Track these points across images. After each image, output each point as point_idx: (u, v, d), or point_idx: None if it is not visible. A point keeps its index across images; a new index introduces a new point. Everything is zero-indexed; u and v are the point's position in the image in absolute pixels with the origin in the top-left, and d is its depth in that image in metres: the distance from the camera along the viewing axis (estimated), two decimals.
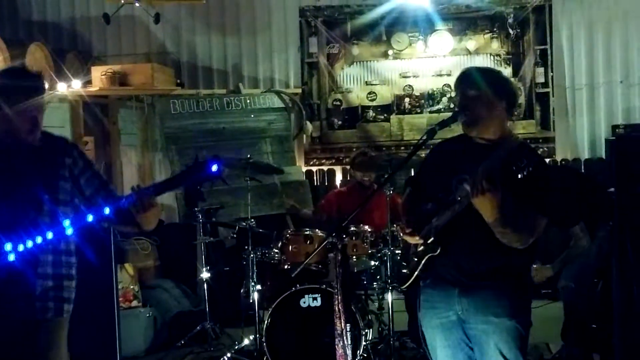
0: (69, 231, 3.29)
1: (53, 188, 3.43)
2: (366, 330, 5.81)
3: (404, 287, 3.72)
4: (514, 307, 3.46)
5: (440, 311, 3.58)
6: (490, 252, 3.42)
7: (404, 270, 3.74)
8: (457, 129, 3.63)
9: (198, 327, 6.88)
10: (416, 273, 3.62)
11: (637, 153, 4.49)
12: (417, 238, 3.58)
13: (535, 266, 5.85)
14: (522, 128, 9.45)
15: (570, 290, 5.78)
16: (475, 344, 3.53)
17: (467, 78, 3.57)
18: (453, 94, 3.61)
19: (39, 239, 3.25)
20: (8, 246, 3.22)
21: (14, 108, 3.31)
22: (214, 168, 3.26)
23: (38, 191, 3.37)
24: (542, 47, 9.50)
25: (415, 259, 3.63)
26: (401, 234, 3.72)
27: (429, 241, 3.52)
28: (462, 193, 3.31)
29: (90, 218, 3.28)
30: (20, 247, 3.23)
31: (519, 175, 3.13)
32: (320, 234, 6.05)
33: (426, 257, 3.55)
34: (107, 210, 3.29)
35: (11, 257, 3.23)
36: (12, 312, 3.38)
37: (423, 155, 4.01)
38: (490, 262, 3.44)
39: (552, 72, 9.47)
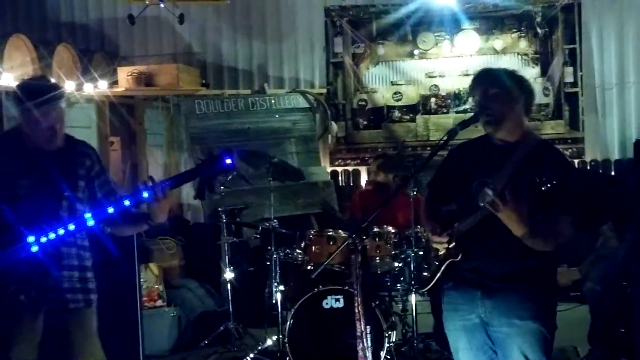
0: (90, 222, 3.43)
1: (73, 186, 3.64)
2: (389, 332, 5.76)
3: (425, 290, 3.68)
4: (538, 310, 3.41)
5: (463, 314, 3.54)
6: (513, 256, 3.36)
7: (425, 274, 3.69)
8: (479, 130, 3.59)
9: (221, 327, 6.86)
10: (437, 277, 3.57)
11: None
12: (445, 242, 3.55)
13: (561, 269, 5.77)
14: (551, 128, 9.36)
15: (596, 293, 5.69)
16: (498, 347, 3.48)
17: (486, 77, 3.52)
18: (478, 99, 3.54)
19: (60, 231, 3.40)
20: (31, 238, 3.37)
21: (33, 120, 3.51)
22: (228, 161, 3.43)
23: (60, 188, 3.57)
24: (571, 46, 9.39)
25: (437, 263, 3.59)
26: (430, 236, 3.68)
27: (450, 246, 3.47)
28: (484, 198, 3.25)
29: (111, 210, 3.42)
30: (43, 239, 3.38)
31: (543, 188, 3.08)
32: (343, 234, 6.01)
33: (448, 262, 3.51)
34: (110, 210, 3.43)
35: (34, 249, 3.38)
36: (43, 303, 3.57)
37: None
38: (513, 265, 3.39)
39: (581, 71, 9.36)
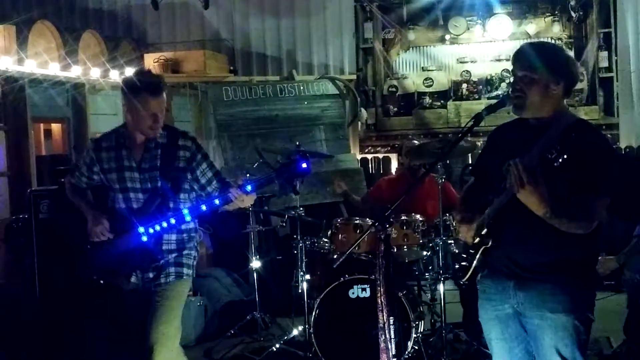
0: (187, 218, 3.99)
1: (174, 179, 4.11)
2: (417, 322, 5.65)
3: (464, 280, 3.55)
4: (572, 302, 3.27)
5: (496, 303, 3.44)
6: (545, 244, 3.24)
7: (464, 263, 3.57)
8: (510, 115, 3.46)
9: (248, 317, 6.79)
10: (473, 265, 3.45)
11: None
12: (472, 226, 3.41)
13: (599, 258, 5.63)
14: (585, 114, 9.16)
15: (635, 283, 5.53)
16: (532, 339, 3.39)
17: (521, 57, 3.33)
18: (512, 79, 3.40)
19: (164, 224, 3.96)
20: (141, 229, 3.96)
21: (139, 104, 3.97)
22: (304, 165, 3.80)
23: (162, 182, 4.08)
24: (606, 30, 9.22)
25: (472, 251, 3.47)
26: (456, 224, 3.57)
27: (482, 232, 3.34)
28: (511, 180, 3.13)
29: (204, 207, 3.93)
30: (151, 230, 3.96)
31: (555, 164, 2.94)
32: (370, 223, 5.90)
33: (481, 250, 3.39)
34: (204, 207, 3.96)
35: (144, 238, 3.97)
36: (147, 280, 4.14)
37: (477, 142, 3.84)
38: (546, 255, 3.26)
39: (616, 56, 9.18)
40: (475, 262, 3.43)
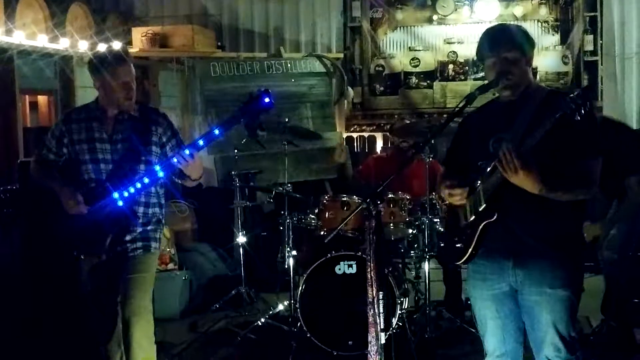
0: (160, 174, 3.98)
1: (147, 149, 4.22)
2: (402, 299, 5.72)
3: (462, 262, 3.57)
4: (568, 278, 3.36)
5: (492, 283, 3.49)
6: (545, 216, 3.30)
7: (458, 245, 3.59)
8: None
9: (233, 292, 6.86)
10: (473, 244, 3.47)
11: None
12: (461, 192, 3.46)
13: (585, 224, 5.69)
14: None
15: (613, 261, 5.61)
16: (526, 315, 3.45)
17: (502, 39, 3.42)
18: (492, 62, 3.46)
19: (138, 185, 4.01)
20: (116, 194, 4.01)
21: (114, 77, 4.12)
22: (267, 100, 3.84)
23: (137, 152, 4.18)
24: (592, 14, 9.26)
25: (469, 230, 3.47)
26: (445, 196, 3.59)
27: (480, 209, 3.38)
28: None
29: (175, 160, 3.91)
30: (125, 194, 4.01)
31: (577, 117, 2.97)
32: (357, 200, 5.96)
33: (482, 225, 3.38)
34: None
35: (120, 203, 4.02)
36: (111, 251, 4.17)
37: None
38: (549, 230, 3.32)
39: (601, 39, 9.22)
40: (474, 241, 3.45)
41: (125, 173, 4.11)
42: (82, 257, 4.24)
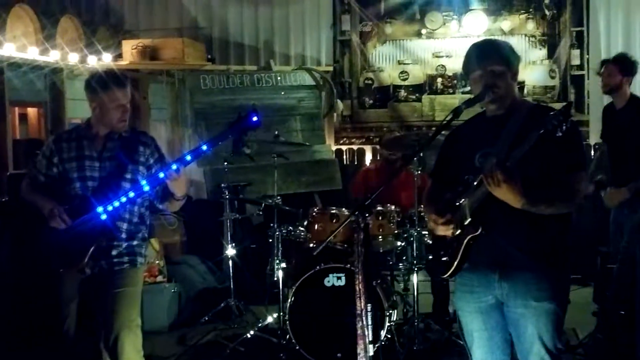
0: (146, 188, 3.99)
1: (134, 167, 4.28)
2: (390, 311, 5.74)
3: (448, 275, 3.59)
4: (554, 290, 3.38)
5: (479, 295, 3.51)
6: (530, 229, 3.32)
7: (444, 258, 3.62)
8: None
9: (222, 304, 6.86)
10: (459, 258, 3.50)
11: None
12: (451, 226, 3.49)
13: (609, 189, 5.78)
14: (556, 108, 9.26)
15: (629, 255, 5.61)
16: (512, 327, 3.47)
17: (488, 53, 3.47)
18: (477, 76, 3.52)
19: (123, 199, 4.03)
20: (100, 209, 4.04)
21: (108, 97, 4.21)
22: (254, 118, 3.92)
23: (123, 171, 4.25)
24: (579, 28, 9.32)
25: (455, 244, 3.49)
26: (432, 224, 3.61)
27: (465, 223, 3.42)
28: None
29: (161, 175, 3.95)
30: (109, 208, 4.04)
31: (559, 133, 3.02)
32: (346, 212, 5.99)
33: (467, 239, 3.41)
34: (161, 175, 3.97)
35: (103, 217, 4.05)
36: (97, 266, 4.25)
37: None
38: (533, 242, 3.35)
39: (588, 54, 9.29)
40: (460, 254, 3.47)
41: (110, 189, 4.15)
42: (60, 270, 4.25)
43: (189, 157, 3.93)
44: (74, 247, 4.12)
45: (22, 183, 4.48)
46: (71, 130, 4.51)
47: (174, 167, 3.92)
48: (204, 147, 3.90)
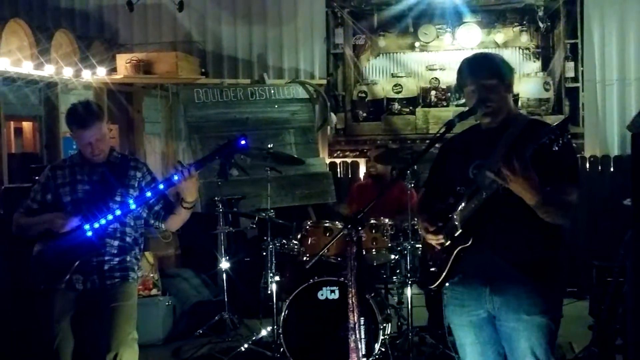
0: (133, 206, 4.14)
1: (123, 189, 4.36)
2: (384, 325, 5.74)
3: (435, 286, 3.60)
4: (545, 304, 3.38)
5: (471, 309, 3.51)
6: (521, 242, 3.33)
7: (433, 269, 3.62)
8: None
9: (216, 317, 6.85)
10: (447, 269, 3.51)
11: None
12: (441, 236, 3.49)
13: None
14: (551, 123, 9.27)
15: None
16: (505, 341, 3.47)
17: (481, 67, 3.49)
18: (471, 90, 3.54)
19: (109, 216, 4.13)
20: (87, 226, 4.12)
21: (76, 137, 4.36)
22: (242, 142, 4.02)
23: (113, 188, 4.32)
24: (573, 41, 9.34)
25: (444, 255, 3.51)
26: (423, 232, 3.62)
27: (456, 234, 3.42)
28: (485, 180, 3.22)
29: (149, 194, 4.13)
30: (96, 225, 4.12)
31: (555, 147, 3.02)
32: (339, 226, 5.99)
33: (457, 250, 3.42)
34: (148, 194, 4.14)
35: (89, 234, 4.12)
36: (88, 280, 4.32)
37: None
38: (521, 255, 3.35)
39: (582, 66, 9.31)
40: (448, 266, 3.49)
41: (98, 209, 4.19)
42: (41, 287, 4.30)
43: (176, 178, 4.05)
44: (57, 263, 4.19)
45: (14, 216, 4.52)
46: (65, 160, 4.64)
47: (161, 186, 4.07)
48: (193, 170, 4.06)
